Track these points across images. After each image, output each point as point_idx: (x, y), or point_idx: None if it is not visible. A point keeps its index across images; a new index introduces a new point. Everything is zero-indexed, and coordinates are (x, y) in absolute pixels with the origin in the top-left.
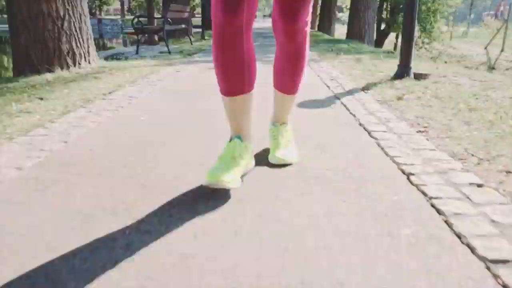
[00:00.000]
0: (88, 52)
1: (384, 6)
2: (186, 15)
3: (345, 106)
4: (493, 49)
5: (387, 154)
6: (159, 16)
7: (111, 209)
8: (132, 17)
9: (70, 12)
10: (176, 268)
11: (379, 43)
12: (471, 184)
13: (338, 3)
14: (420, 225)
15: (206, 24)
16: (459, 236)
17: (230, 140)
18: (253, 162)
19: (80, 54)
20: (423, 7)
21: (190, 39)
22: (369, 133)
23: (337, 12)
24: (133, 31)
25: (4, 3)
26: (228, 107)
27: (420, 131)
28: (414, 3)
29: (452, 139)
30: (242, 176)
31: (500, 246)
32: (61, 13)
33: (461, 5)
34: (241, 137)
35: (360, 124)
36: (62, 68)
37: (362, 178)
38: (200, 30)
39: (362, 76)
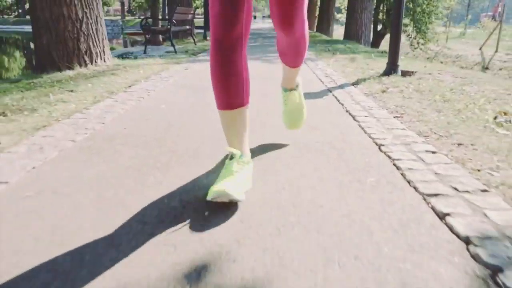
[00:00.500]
0: (104, 51)
1: (381, 8)
2: (190, 16)
3: (335, 97)
4: (489, 50)
5: (365, 132)
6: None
7: (152, 165)
8: (133, 18)
9: (88, 15)
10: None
11: (375, 43)
12: (427, 151)
13: (337, 5)
14: (382, 176)
15: (208, 25)
16: (408, 181)
17: (230, 158)
18: (250, 183)
19: (96, 53)
20: (418, 9)
21: (194, 40)
22: (353, 117)
23: (335, 13)
24: (134, 31)
25: (4, 3)
26: (228, 122)
27: (396, 116)
28: (400, 7)
29: (421, 122)
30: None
31: (436, 187)
32: (80, 16)
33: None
34: (243, 155)
35: (347, 111)
36: (80, 66)
37: (343, 147)
38: (202, 31)
39: (354, 73)
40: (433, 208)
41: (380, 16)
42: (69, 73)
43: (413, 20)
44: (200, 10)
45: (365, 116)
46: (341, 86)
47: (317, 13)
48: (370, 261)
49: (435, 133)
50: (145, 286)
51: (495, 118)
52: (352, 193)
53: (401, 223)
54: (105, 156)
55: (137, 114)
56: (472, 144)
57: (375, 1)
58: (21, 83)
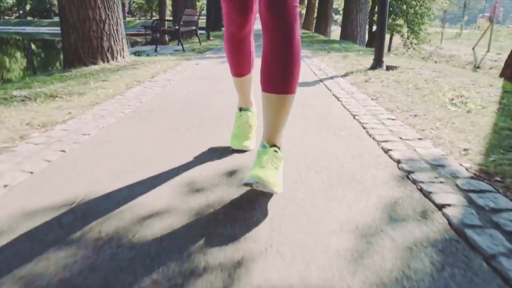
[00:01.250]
0: (123, 49)
1: (376, 10)
2: (195, 18)
3: (325, 85)
4: (481, 50)
5: (345, 108)
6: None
7: (186, 126)
8: (133, 19)
9: (110, 17)
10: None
11: (371, 43)
12: (388, 119)
13: (334, 6)
14: (352, 132)
15: (211, 25)
16: (369, 135)
17: (240, 109)
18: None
19: (117, 50)
20: (411, 11)
21: (199, 39)
22: (338, 99)
23: (333, 15)
24: (135, 32)
25: (5, 4)
26: (238, 85)
27: (372, 98)
28: (385, 9)
29: (391, 102)
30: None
31: (388, 137)
32: (103, 17)
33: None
34: (249, 108)
35: (333, 95)
36: (103, 62)
37: (327, 117)
38: (204, 31)
39: (344, 68)
40: (382, 148)
41: (375, 18)
42: (95, 67)
43: (407, 22)
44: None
45: (347, 98)
46: (331, 78)
47: (315, 14)
48: (335, 171)
49: (399, 109)
50: (200, 182)
51: (452, 99)
52: (329, 140)
53: (359, 154)
54: (150, 121)
55: (165, 96)
56: (424, 115)
57: (370, 3)
58: (55, 76)
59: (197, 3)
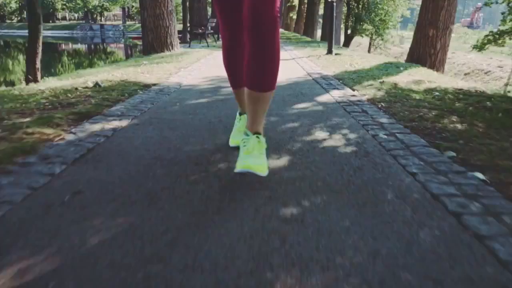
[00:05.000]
0: (176, 43)
1: (350, 17)
2: (214, 24)
3: (296, 61)
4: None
5: (303, 69)
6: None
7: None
8: (133, 22)
9: (170, 24)
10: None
11: (346, 43)
12: (316, 67)
13: (320, 12)
14: (300, 71)
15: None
16: (308, 74)
17: (240, 114)
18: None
19: (173, 44)
20: (377, 18)
21: (215, 39)
22: (299, 64)
23: (320, 20)
24: (137, 36)
25: (9, 9)
26: (237, 96)
27: (315, 64)
28: (332, 15)
29: (327, 67)
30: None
31: (311, 71)
32: (167, 25)
33: None
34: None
35: (298, 63)
36: (167, 51)
37: (292, 68)
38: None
39: (309, 54)
40: (307, 73)
41: (349, 23)
42: (163, 54)
43: (374, 26)
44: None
45: (303, 64)
46: (300, 58)
47: (304, 20)
48: (292, 83)
49: (324, 66)
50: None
51: (350, 64)
52: (291, 74)
53: (300, 75)
54: (203, 85)
55: (213, 68)
56: (333, 67)
57: (344, 11)
58: (148, 57)
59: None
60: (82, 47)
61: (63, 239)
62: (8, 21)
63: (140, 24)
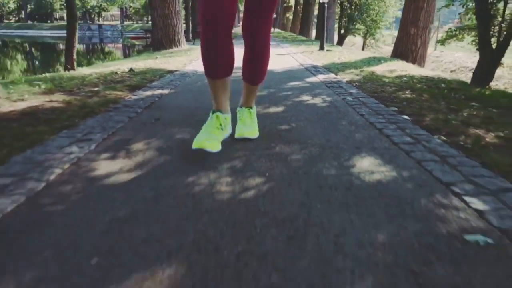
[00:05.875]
0: (183, 41)
1: (343, 17)
2: None
3: (291, 55)
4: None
5: (297, 61)
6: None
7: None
8: (131, 23)
9: (178, 23)
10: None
11: (340, 42)
12: (308, 60)
13: (316, 13)
14: (294, 62)
15: None
16: (301, 64)
17: (213, 112)
18: (230, 130)
19: (180, 41)
20: (368, 19)
21: None
22: (294, 58)
23: (315, 20)
24: (135, 36)
25: (7, 9)
26: (214, 87)
27: (308, 58)
28: (324, 15)
29: (319, 61)
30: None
31: (304, 63)
32: (175, 24)
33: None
34: (222, 111)
35: (292, 57)
36: (175, 47)
37: (287, 65)
38: None
39: (303, 50)
40: (300, 64)
41: (342, 23)
42: (171, 50)
43: (366, 26)
44: None
45: (298, 57)
46: (294, 53)
47: (300, 20)
48: (286, 68)
49: (315, 59)
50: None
51: (338, 57)
52: (285, 63)
53: (293, 65)
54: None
55: None
56: (322, 60)
57: (338, 12)
58: (159, 52)
59: None
60: (80, 47)
61: (159, 135)
62: (6, 21)
63: (138, 24)
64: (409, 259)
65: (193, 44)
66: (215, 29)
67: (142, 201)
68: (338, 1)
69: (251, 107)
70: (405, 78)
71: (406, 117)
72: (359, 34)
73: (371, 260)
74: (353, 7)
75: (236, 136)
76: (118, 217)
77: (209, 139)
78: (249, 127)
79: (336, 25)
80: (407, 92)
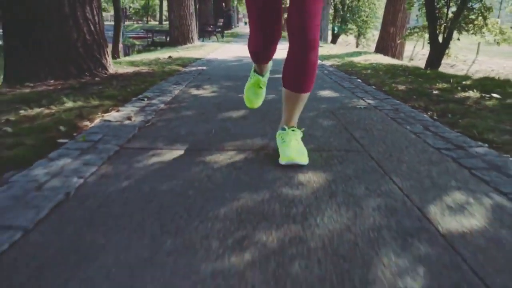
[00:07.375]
0: (195, 38)
1: (336, 18)
2: (221, 23)
3: None
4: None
5: None
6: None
7: (239, 60)
8: (131, 23)
9: (192, 23)
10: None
11: (333, 41)
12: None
13: None
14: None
15: (225, 27)
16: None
17: (254, 70)
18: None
19: (193, 38)
20: (359, 20)
21: (223, 35)
22: None
23: None
24: (135, 35)
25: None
26: (257, 65)
27: None
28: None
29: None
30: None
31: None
32: (189, 23)
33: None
34: (263, 75)
35: None
36: (189, 43)
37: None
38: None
39: None
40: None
41: (336, 23)
42: (186, 46)
43: (357, 27)
44: None
45: None
46: None
47: None
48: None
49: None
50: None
51: (328, 51)
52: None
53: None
54: (234, 55)
55: (230, 54)
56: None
57: (331, 13)
58: (175, 48)
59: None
60: None
61: (214, 83)
62: None
63: (138, 24)
64: (333, 110)
65: (203, 41)
66: (266, 42)
67: (215, 103)
68: (332, 3)
69: (294, 127)
70: (374, 64)
71: (359, 80)
72: (352, 33)
73: (320, 109)
74: (345, 8)
75: (283, 161)
76: (210, 109)
77: (257, 98)
78: (297, 150)
79: (330, 25)
80: (369, 71)
